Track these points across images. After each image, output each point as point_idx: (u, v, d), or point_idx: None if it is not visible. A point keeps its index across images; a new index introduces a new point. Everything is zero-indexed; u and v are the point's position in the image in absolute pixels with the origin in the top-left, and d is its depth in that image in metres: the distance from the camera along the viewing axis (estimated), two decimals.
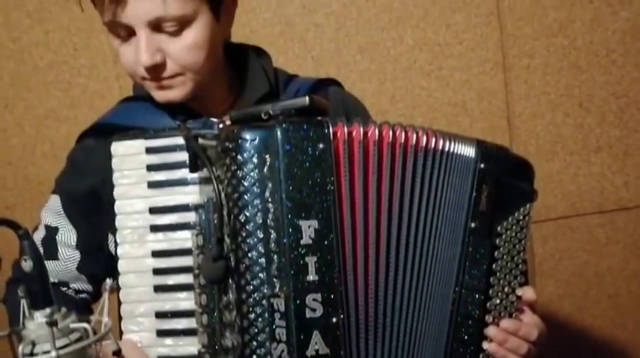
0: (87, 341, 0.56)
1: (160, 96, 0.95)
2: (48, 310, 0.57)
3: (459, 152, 0.84)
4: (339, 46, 1.72)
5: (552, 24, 1.72)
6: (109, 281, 0.73)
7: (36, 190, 1.77)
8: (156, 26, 0.88)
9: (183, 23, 0.89)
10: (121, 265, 0.87)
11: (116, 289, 0.87)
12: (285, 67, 1.17)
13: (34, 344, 0.56)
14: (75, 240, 0.99)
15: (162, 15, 0.87)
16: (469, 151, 0.85)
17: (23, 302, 0.60)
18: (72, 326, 0.58)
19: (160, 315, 0.85)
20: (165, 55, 0.90)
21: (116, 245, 0.87)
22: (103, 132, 0.97)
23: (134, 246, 0.86)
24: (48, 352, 0.54)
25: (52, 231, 1.00)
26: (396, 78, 1.74)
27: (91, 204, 0.97)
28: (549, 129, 1.78)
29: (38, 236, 1.00)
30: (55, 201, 1.01)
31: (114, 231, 0.88)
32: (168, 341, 0.84)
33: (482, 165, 0.85)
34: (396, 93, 1.74)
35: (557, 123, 1.78)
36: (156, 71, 0.91)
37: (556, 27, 1.72)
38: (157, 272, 0.85)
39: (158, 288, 0.85)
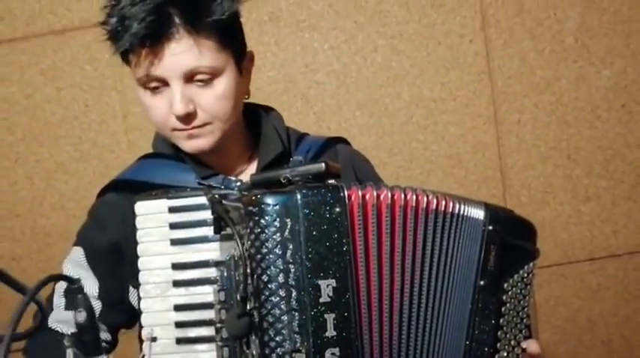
0: None
1: (189, 145, 0.99)
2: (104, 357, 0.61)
3: (468, 214, 0.90)
4: (340, 102, 1.81)
5: (540, 82, 1.82)
6: (150, 331, 0.77)
7: (43, 242, 1.81)
8: (189, 78, 0.95)
9: (214, 74, 0.96)
10: (144, 318, 0.89)
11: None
12: (289, 121, 1.22)
13: None
14: (97, 291, 1.01)
15: (198, 65, 0.94)
16: (478, 214, 0.90)
17: (69, 352, 0.64)
18: None
19: None
20: (196, 105, 0.96)
21: (139, 298, 0.90)
22: (125, 188, 1.02)
23: (157, 301, 0.89)
24: None
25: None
26: (394, 132, 1.82)
27: (114, 257, 1.00)
28: (540, 180, 1.86)
29: (60, 287, 1.03)
30: (78, 253, 1.04)
31: (135, 284, 0.91)
32: None
33: (490, 227, 0.90)
34: (394, 146, 1.82)
35: (547, 174, 1.86)
36: (187, 120, 0.96)
37: (543, 85, 1.82)
38: (179, 325, 0.89)
39: (180, 341, 0.88)
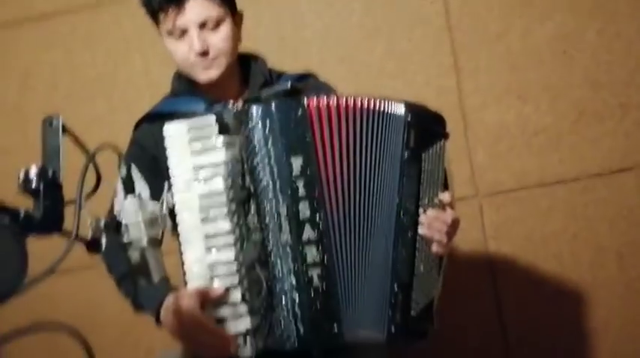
0: (157, 213, 1.00)
1: (204, 75, 1.36)
2: (135, 195, 0.98)
3: (392, 110, 1.23)
4: (324, 56, 2.10)
5: (492, 34, 2.08)
6: (165, 187, 1.14)
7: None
8: (202, 25, 1.33)
9: (219, 22, 1.35)
10: (177, 208, 1.19)
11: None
12: None
13: (127, 215, 0.99)
14: (149, 193, 1.23)
15: (208, 15, 1.33)
16: (400, 109, 1.24)
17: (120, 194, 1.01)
18: (148, 207, 1.00)
19: (207, 237, 1.19)
20: (208, 45, 1.34)
21: (172, 194, 1.21)
22: (155, 118, 1.38)
23: (185, 194, 1.20)
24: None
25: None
26: (370, 81, 2.10)
27: (154, 166, 1.32)
28: (496, 118, 2.09)
29: (120, 198, 1.23)
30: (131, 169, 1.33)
31: (169, 185, 1.22)
32: (214, 252, 1.20)
33: (409, 118, 1.23)
34: (371, 94, 2.11)
35: (501, 112, 2.09)
36: (203, 55, 1.34)
37: (495, 36, 2.08)
38: (202, 209, 1.19)
39: (204, 220, 1.19)
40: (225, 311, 1.20)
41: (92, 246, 0.93)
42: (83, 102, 2.15)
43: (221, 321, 1.20)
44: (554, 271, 2.14)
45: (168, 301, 1.23)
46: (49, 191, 0.84)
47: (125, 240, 1.00)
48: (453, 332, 2.14)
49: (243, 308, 1.19)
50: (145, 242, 1.00)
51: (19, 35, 2.19)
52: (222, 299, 1.19)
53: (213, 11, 1.34)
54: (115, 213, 1.03)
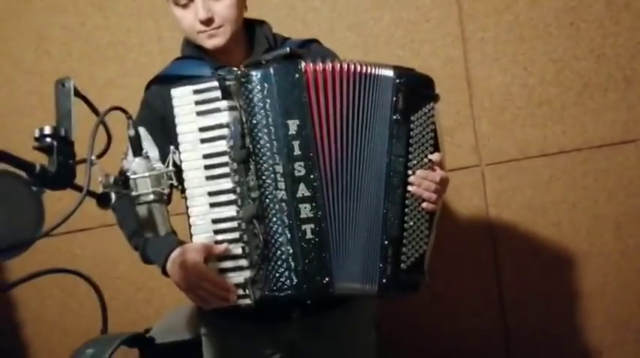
0: (163, 170, 1.06)
1: (210, 43, 1.40)
2: (142, 155, 1.05)
3: (382, 74, 1.29)
4: (333, 25, 2.13)
5: (500, 4, 2.09)
6: (172, 148, 1.20)
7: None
8: None
9: None
10: (184, 166, 1.28)
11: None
12: None
13: (135, 173, 1.06)
14: (158, 155, 1.29)
15: None
16: (389, 73, 1.29)
17: (129, 154, 1.07)
18: (155, 165, 1.07)
19: (211, 194, 1.28)
20: (213, 13, 1.37)
21: (179, 154, 1.29)
22: (164, 81, 1.43)
23: (191, 153, 1.28)
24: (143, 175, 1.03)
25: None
26: (378, 50, 2.13)
27: (162, 126, 1.37)
28: (501, 88, 2.12)
29: (129, 157, 1.28)
30: (140, 130, 1.35)
31: (176, 144, 1.30)
32: (217, 208, 1.29)
33: (397, 81, 1.28)
34: (378, 61, 2.14)
35: (506, 83, 2.12)
36: (208, 23, 1.37)
37: (503, 7, 2.09)
38: (207, 167, 1.28)
39: (208, 178, 1.28)
40: (226, 264, 1.29)
41: (102, 200, 1.00)
42: (96, 66, 2.19)
43: (222, 273, 1.29)
44: (553, 239, 2.19)
45: (175, 254, 1.31)
46: (61, 147, 0.90)
47: (133, 194, 1.07)
48: (453, 295, 2.22)
49: (242, 261, 1.28)
50: (151, 196, 1.07)
51: None
52: (224, 254, 1.28)
53: None
54: (123, 170, 1.10)
